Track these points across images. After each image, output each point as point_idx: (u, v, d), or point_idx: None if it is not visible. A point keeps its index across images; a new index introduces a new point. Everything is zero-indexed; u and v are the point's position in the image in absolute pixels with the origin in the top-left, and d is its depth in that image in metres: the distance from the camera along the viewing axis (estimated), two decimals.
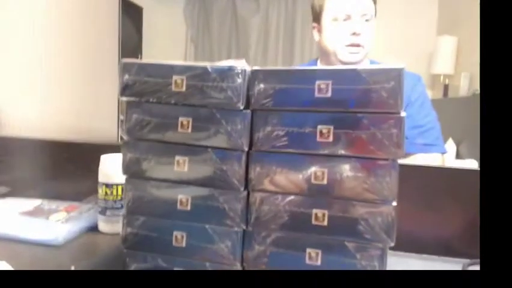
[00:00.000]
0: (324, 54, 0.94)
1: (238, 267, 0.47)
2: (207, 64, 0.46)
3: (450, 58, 1.90)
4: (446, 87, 1.91)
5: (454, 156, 1.44)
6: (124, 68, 0.49)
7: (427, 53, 1.94)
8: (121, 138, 0.51)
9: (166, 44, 0.91)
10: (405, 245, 0.56)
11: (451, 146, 1.44)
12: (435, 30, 1.94)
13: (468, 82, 1.77)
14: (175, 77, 0.47)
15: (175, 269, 0.49)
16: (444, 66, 1.90)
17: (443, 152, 0.91)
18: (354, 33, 0.87)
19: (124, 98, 0.49)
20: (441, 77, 1.92)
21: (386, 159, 0.44)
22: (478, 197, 0.35)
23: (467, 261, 0.61)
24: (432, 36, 1.93)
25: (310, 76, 0.45)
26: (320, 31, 0.93)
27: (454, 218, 0.70)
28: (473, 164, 1.11)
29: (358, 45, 0.88)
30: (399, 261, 0.63)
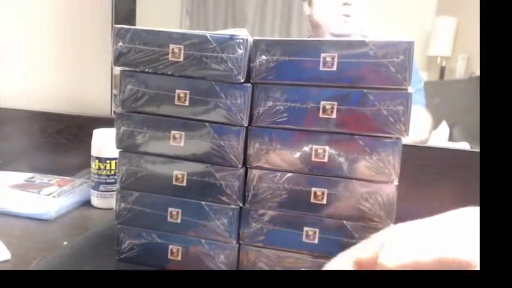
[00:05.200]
0: (315, 28, 0.93)
1: (234, 244, 0.47)
2: (207, 32, 0.44)
3: (448, 40, 1.87)
4: (442, 70, 1.89)
5: (446, 138, 1.44)
6: (118, 35, 0.46)
7: (424, 34, 1.91)
8: (114, 112, 0.49)
9: (160, 15, 0.88)
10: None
11: (444, 128, 1.43)
12: (434, 10, 1.91)
13: (465, 65, 1.75)
14: (172, 46, 0.45)
15: (170, 245, 0.49)
16: (442, 47, 1.87)
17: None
18: (345, 3, 0.88)
19: (118, 68, 0.47)
20: (438, 59, 1.90)
21: (390, 137, 0.43)
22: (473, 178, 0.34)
23: None
24: (431, 16, 1.90)
25: (315, 48, 0.43)
26: (310, 4, 0.93)
27: (450, 197, 0.70)
28: (464, 147, 1.11)
29: (349, 16, 0.88)
30: None
